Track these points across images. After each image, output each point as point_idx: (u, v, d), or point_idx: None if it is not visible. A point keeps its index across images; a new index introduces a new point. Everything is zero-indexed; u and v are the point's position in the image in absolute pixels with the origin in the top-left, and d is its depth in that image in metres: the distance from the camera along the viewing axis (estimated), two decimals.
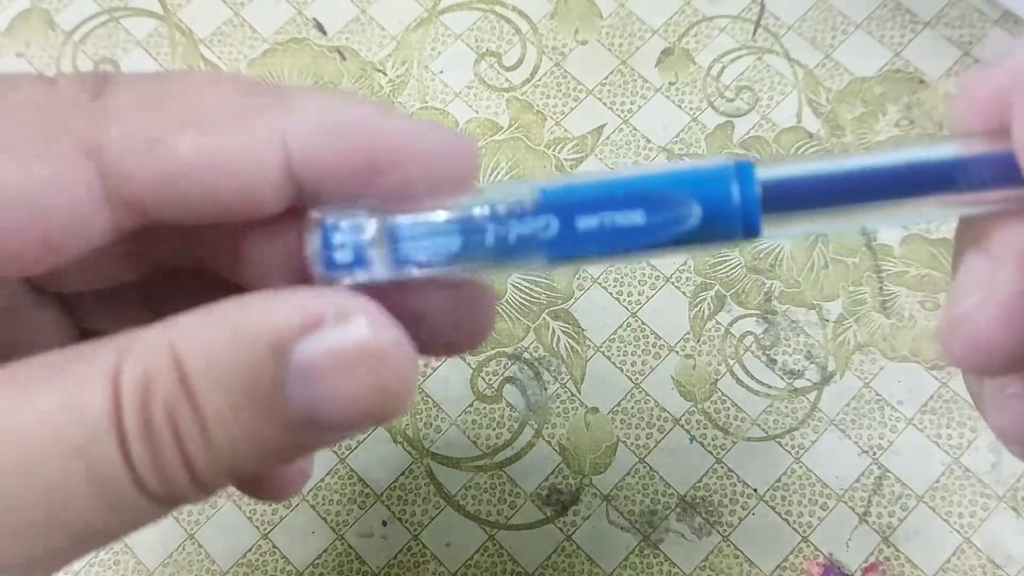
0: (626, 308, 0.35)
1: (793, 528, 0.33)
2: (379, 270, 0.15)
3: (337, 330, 0.14)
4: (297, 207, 0.16)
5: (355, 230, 0.15)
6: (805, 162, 0.14)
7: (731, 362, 0.34)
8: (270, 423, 0.14)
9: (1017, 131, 0.12)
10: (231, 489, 0.34)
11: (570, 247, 0.14)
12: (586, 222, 0.14)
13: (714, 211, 0.14)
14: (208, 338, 0.14)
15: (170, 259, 0.18)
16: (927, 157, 0.14)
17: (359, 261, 0.15)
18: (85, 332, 0.19)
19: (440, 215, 0.15)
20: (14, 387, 0.13)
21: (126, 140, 0.14)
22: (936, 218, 0.14)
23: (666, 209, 0.14)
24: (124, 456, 0.13)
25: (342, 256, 0.15)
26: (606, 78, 0.38)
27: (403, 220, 0.15)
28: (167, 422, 0.13)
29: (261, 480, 0.20)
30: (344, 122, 0.15)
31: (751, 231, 0.14)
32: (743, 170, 0.14)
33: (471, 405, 0.34)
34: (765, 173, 0.14)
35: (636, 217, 0.14)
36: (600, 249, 0.14)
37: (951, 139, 0.14)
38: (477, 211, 0.14)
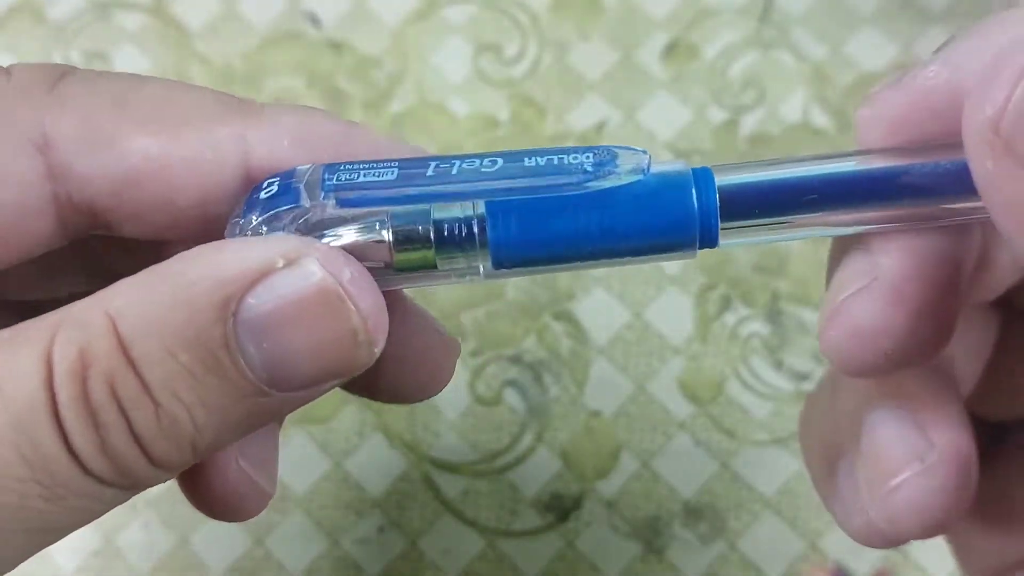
0: (629, 309, 0.35)
1: (800, 534, 0.32)
2: (307, 202, 0.14)
3: (287, 275, 0.12)
4: None
5: (287, 174, 0.14)
6: (766, 168, 0.14)
7: (737, 364, 0.34)
8: (228, 388, 0.13)
9: (968, 140, 0.11)
10: None
11: (512, 209, 0.14)
12: (532, 159, 0.14)
13: (671, 219, 0.14)
14: (146, 300, 0.12)
15: (124, 270, 0.17)
16: (890, 164, 0.13)
17: (285, 190, 0.14)
18: None
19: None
20: None
21: (77, 135, 0.14)
22: (904, 227, 0.14)
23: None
24: (61, 436, 0.12)
25: (267, 192, 0.14)
26: (609, 72, 0.37)
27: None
28: (108, 396, 0.12)
29: (213, 497, 0.19)
30: (310, 134, 0.15)
31: (708, 240, 0.14)
32: (702, 177, 0.14)
33: (470, 409, 0.34)
34: (725, 180, 0.14)
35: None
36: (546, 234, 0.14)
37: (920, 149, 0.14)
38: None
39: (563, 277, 0.35)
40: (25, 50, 0.38)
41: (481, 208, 0.14)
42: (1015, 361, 0.16)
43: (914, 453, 0.14)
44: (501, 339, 0.34)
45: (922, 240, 0.13)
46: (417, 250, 0.14)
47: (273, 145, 0.15)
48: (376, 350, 0.13)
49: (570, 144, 0.36)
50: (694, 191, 0.14)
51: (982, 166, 0.11)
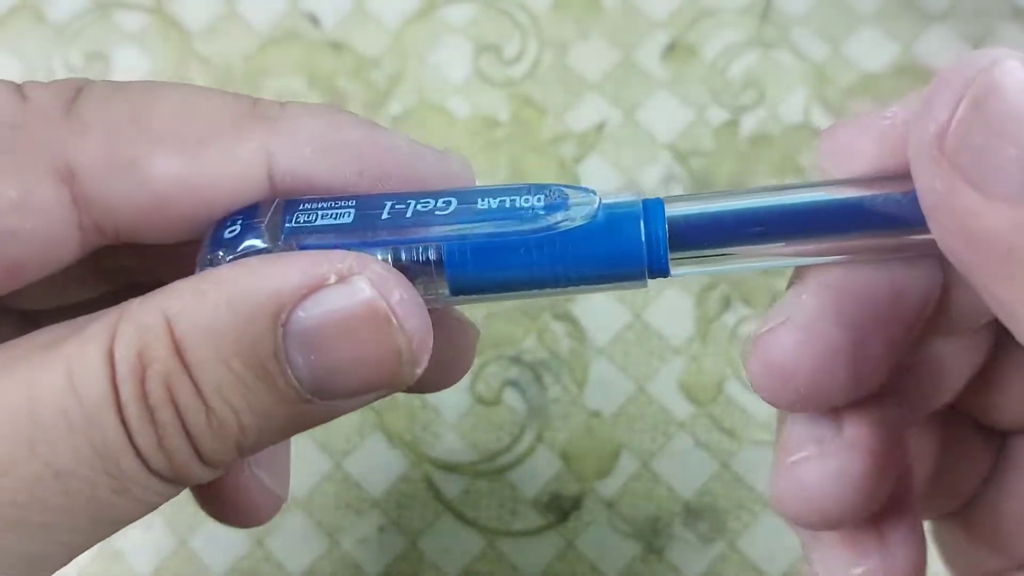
0: (630, 309, 0.35)
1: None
2: (268, 240, 0.14)
3: (338, 291, 0.13)
4: None
5: (249, 212, 0.15)
6: (718, 199, 0.14)
7: (737, 364, 0.34)
8: (274, 395, 0.13)
9: (914, 161, 0.11)
10: None
11: (467, 249, 0.14)
12: (485, 202, 0.15)
13: (620, 252, 0.14)
14: (203, 306, 0.13)
15: (140, 274, 0.17)
16: (840, 196, 0.13)
17: (248, 230, 0.14)
18: None
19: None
20: (4, 369, 0.13)
21: (100, 162, 0.14)
22: (855, 260, 0.14)
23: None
24: (126, 432, 0.13)
25: (230, 232, 0.14)
26: (609, 72, 0.37)
27: (302, 198, 0.15)
28: (166, 396, 0.13)
29: (226, 503, 0.19)
30: (332, 143, 0.15)
31: (659, 271, 0.14)
32: (652, 209, 0.14)
33: (470, 409, 0.34)
34: (675, 210, 0.14)
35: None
36: (499, 264, 0.14)
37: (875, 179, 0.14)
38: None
39: None
40: (25, 50, 0.38)
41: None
42: (1009, 372, 0.16)
43: (817, 436, 0.14)
44: (501, 339, 0.34)
45: (851, 276, 0.13)
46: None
47: (295, 155, 0.15)
48: (418, 370, 0.14)
49: (568, 145, 0.36)
50: (642, 224, 0.14)
51: (929, 186, 0.11)
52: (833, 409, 0.14)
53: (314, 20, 0.38)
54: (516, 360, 0.34)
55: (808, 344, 0.13)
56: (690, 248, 0.14)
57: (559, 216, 0.14)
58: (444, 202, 0.14)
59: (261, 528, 0.33)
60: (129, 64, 0.38)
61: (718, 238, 0.14)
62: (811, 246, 0.13)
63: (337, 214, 0.14)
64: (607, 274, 0.14)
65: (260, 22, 0.38)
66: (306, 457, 0.34)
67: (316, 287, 0.13)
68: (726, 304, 0.34)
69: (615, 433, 0.33)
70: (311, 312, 0.13)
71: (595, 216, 0.14)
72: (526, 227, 0.14)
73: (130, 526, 0.33)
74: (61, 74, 0.38)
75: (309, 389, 0.13)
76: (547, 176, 0.36)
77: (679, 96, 0.37)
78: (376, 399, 0.14)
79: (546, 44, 0.38)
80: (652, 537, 0.32)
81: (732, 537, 0.32)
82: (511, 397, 0.34)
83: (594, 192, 0.14)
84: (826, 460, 0.14)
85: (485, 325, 0.35)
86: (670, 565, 0.32)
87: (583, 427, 0.33)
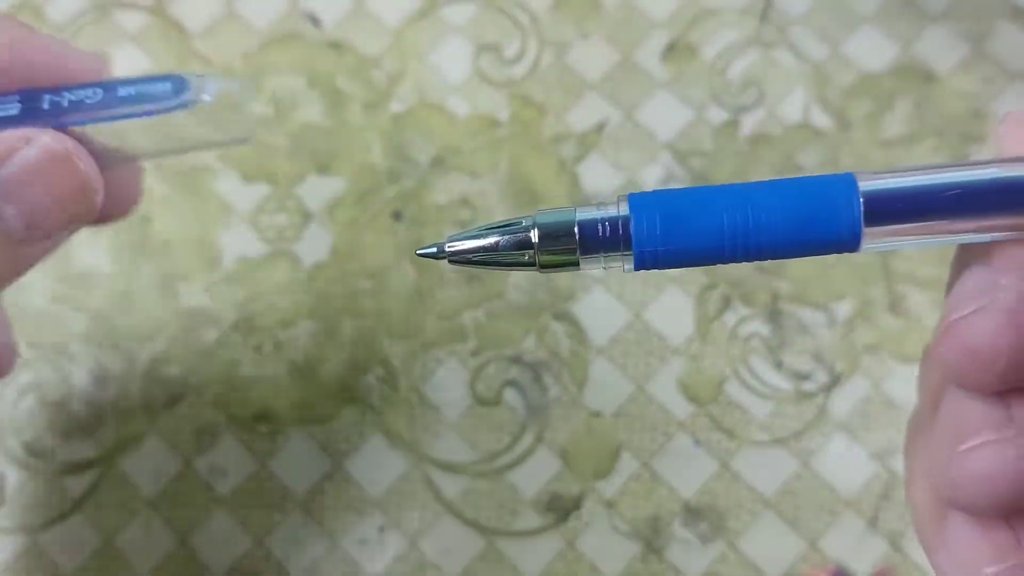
0: (629, 309, 0.35)
1: (800, 534, 0.32)
2: None
3: (27, 149, 0.17)
4: None
5: None
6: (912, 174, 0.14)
7: (737, 364, 0.34)
8: None
9: None
10: (225, 493, 0.33)
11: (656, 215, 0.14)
12: (125, 90, 0.19)
13: (824, 220, 0.14)
14: None
15: None
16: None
17: None
18: None
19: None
20: None
21: None
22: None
23: None
24: None
25: None
26: (609, 72, 0.37)
27: None
28: None
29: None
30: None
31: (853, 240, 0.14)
32: (844, 184, 0.14)
33: (470, 409, 0.34)
34: (869, 185, 0.14)
35: None
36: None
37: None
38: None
39: (563, 277, 0.35)
40: None
41: (625, 209, 0.14)
42: None
43: (992, 423, 0.14)
44: (501, 339, 0.34)
45: None
46: (561, 252, 0.14)
47: None
48: (99, 198, 0.19)
49: (568, 145, 0.36)
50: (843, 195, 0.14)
51: None
52: (999, 393, 0.14)
53: (314, 20, 0.38)
54: (516, 360, 0.34)
55: (1012, 327, 0.13)
56: (884, 222, 0.14)
57: (186, 98, 0.18)
58: (93, 91, 0.19)
59: (261, 527, 0.33)
60: (129, 63, 0.38)
61: (911, 212, 0.14)
62: (988, 222, 0.14)
63: (4, 108, 0.18)
64: (811, 241, 0.14)
65: (260, 22, 0.38)
66: (306, 457, 0.34)
67: (13, 150, 0.17)
68: (726, 304, 0.34)
69: (615, 433, 0.33)
70: (9, 168, 0.17)
71: (205, 96, 0.19)
72: (159, 106, 0.18)
73: (130, 525, 0.33)
74: None
75: (22, 230, 0.17)
76: (548, 177, 0.36)
77: (679, 96, 0.37)
78: (73, 232, 0.19)
79: (546, 44, 0.38)
80: (652, 537, 0.32)
81: (731, 537, 0.32)
82: (511, 397, 0.34)
83: (202, 75, 0.19)
84: (1006, 445, 0.13)
85: (485, 325, 0.35)
86: (670, 565, 0.32)
87: (583, 427, 0.33)
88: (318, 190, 0.36)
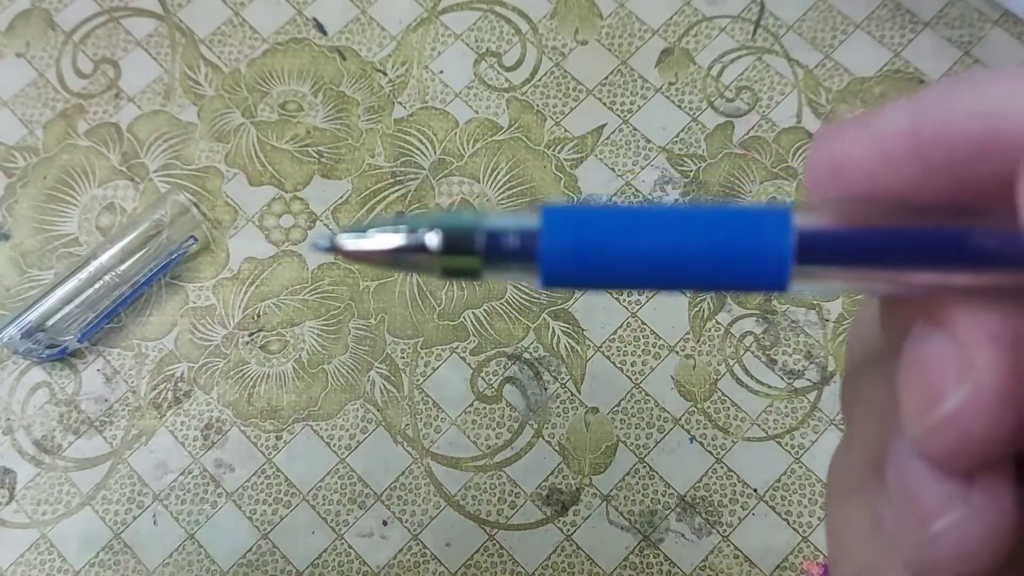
0: (626, 308, 0.35)
1: (793, 528, 0.33)
2: None
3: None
4: None
5: None
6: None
7: (731, 362, 0.34)
8: None
9: None
10: (231, 489, 0.34)
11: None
12: None
13: (750, 257, 0.13)
14: None
15: None
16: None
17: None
18: None
19: None
20: None
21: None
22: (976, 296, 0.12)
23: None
24: None
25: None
26: (606, 78, 0.38)
27: None
28: None
29: None
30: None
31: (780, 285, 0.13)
32: (775, 219, 0.13)
33: (471, 405, 0.34)
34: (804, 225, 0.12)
35: None
36: None
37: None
38: None
39: None
40: (35, 55, 0.39)
41: (538, 221, 0.12)
42: None
43: (957, 494, 0.12)
44: (501, 337, 0.35)
45: (1008, 320, 0.12)
46: (464, 257, 0.13)
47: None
48: None
49: (567, 149, 0.37)
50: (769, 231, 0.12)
51: None
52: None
53: (319, 26, 0.39)
54: (516, 358, 0.35)
55: (1005, 411, 0.12)
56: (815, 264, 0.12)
57: None
58: None
59: (267, 522, 0.34)
60: (137, 69, 0.38)
61: (857, 254, 0.12)
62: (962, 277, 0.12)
63: None
64: (730, 281, 0.13)
65: (266, 28, 0.39)
66: (310, 453, 0.34)
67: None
68: (720, 304, 0.35)
69: (612, 429, 0.34)
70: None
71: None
72: None
73: (137, 520, 0.33)
74: (71, 79, 0.38)
75: None
76: (547, 180, 0.37)
77: (674, 101, 0.37)
78: None
79: (545, 51, 0.38)
80: (648, 530, 0.33)
81: (726, 530, 0.33)
82: (511, 394, 0.34)
83: None
84: (976, 520, 0.12)
85: (485, 324, 0.35)
86: (665, 557, 0.33)
87: (581, 423, 0.34)
88: (323, 192, 0.37)
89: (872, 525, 0.15)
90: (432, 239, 0.12)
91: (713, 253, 0.12)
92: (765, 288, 0.13)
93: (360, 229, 0.12)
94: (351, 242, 0.13)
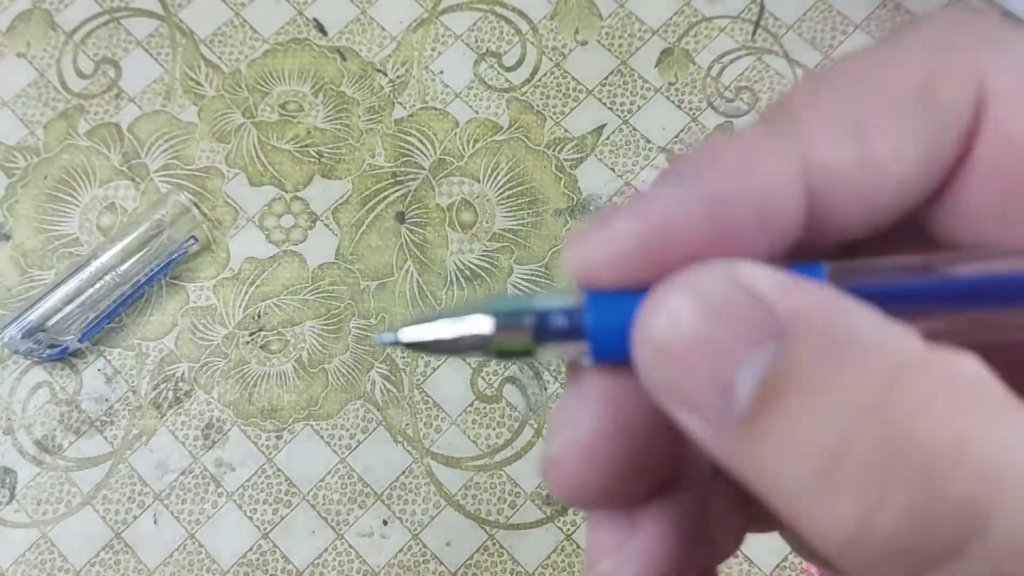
0: None
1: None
2: None
3: None
4: None
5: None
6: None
7: None
8: None
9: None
10: (231, 488, 0.34)
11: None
12: None
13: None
14: None
15: None
16: None
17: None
18: None
19: None
20: None
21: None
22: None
23: None
24: None
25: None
26: (606, 78, 0.38)
27: None
28: None
29: None
30: None
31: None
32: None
33: (471, 405, 0.34)
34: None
35: None
36: None
37: None
38: None
39: (562, 277, 0.35)
40: (36, 55, 0.39)
41: (583, 300, 0.12)
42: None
43: (617, 539, 0.13)
44: None
45: (626, 383, 0.12)
46: (516, 338, 0.13)
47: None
48: None
49: (567, 149, 0.37)
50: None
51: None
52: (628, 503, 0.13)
53: (319, 27, 0.39)
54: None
55: (594, 460, 0.12)
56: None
57: None
58: None
59: (267, 522, 0.34)
60: (138, 70, 0.38)
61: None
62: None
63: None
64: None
65: (266, 28, 0.39)
66: (311, 452, 0.34)
67: None
68: None
69: None
70: None
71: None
72: None
73: (138, 519, 0.33)
74: (71, 79, 0.38)
75: None
76: (547, 180, 0.37)
77: (674, 101, 0.37)
78: None
79: (545, 51, 0.38)
80: None
81: None
82: (511, 393, 0.34)
83: None
84: (626, 567, 0.13)
85: None
86: None
87: None
88: (323, 193, 0.37)
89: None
90: (485, 324, 0.13)
91: None
92: None
93: (419, 321, 0.13)
94: (412, 336, 0.13)
